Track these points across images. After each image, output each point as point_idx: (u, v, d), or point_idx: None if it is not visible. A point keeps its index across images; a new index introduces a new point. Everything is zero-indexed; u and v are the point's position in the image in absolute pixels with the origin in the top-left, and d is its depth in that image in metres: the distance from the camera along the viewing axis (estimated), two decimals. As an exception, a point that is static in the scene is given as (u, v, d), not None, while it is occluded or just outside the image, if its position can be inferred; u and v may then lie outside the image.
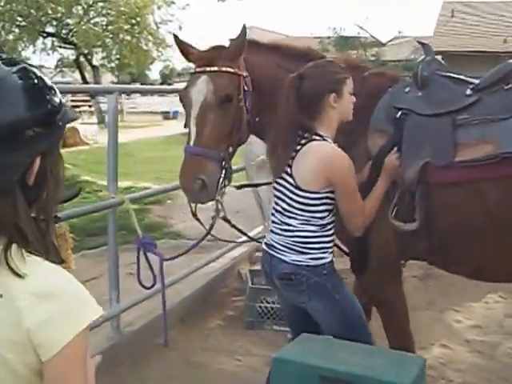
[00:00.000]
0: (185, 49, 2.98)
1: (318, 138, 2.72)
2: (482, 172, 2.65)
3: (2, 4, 26.66)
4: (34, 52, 29.42)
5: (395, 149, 2.82)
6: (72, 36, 28.86)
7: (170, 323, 4.49)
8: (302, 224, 2.74)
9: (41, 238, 1.24)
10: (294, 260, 2.75)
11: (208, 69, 2.83)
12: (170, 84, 32.97)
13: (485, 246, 2.75)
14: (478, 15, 22.44)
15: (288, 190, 2.77)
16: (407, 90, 2.98)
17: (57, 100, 1.28)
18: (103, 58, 30.51)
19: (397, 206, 2.78)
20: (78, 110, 28.32)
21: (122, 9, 27.82)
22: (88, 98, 31.57)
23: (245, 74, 2.89)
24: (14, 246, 1.21)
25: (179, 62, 42.06)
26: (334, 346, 2.69)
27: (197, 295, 5.10)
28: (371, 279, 3.01)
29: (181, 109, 3.06)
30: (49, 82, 1.29)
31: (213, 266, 5.54)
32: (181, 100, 2.92)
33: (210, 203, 2.94)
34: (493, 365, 4.10)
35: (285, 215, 2.80)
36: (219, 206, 2.97)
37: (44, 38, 29.58)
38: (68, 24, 29.00)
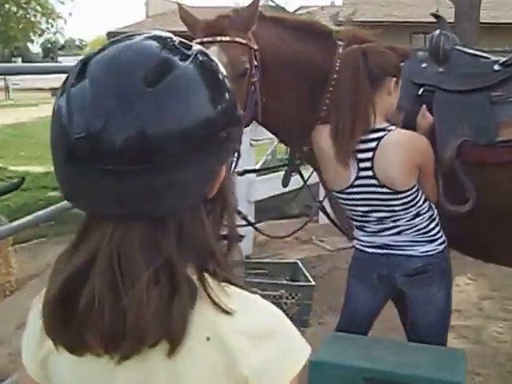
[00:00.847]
0: (187, 16, 2.71)
1: (385, 130, 2.46)
2: None
3: None
4: None
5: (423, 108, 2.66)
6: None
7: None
8: (413, 220, 2.55)
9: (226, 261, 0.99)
10: (423, 252, 2.55)
11: (219, 38, 2.56)
12: (53, 58, 31.39)
13: None
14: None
15: (381, 199, 2.52)
16: (424, 65, 2.83)
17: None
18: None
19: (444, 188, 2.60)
20: None
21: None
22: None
23: (255, 46, 2.63)
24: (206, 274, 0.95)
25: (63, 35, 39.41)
26: (369, 344, 2.53)
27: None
28: None
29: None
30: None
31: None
32: None
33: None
34: (482, 350, 4.04)
35: (386, 222, 2.58)
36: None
37: None
38: None
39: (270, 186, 5.19)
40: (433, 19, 2.98)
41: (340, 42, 2.80)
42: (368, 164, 2.46)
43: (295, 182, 3.17)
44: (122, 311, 0.86)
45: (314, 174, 3.06)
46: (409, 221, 2.54)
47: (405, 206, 2.52)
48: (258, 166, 5.91)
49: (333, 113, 2.54)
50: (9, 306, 4.86)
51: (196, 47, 0.99)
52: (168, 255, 0.89)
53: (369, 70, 2.43)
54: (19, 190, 6.35)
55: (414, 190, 2.50)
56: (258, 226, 3.50)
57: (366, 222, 2.61)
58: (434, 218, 2.58)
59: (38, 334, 0.95)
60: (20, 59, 33.06)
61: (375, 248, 2.61)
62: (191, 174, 0.91)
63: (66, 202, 1.02)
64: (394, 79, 2.48)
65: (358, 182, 2.51)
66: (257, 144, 5.03)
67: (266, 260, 5.20)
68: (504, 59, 2.71)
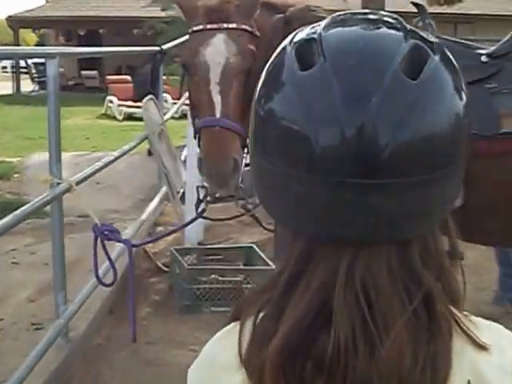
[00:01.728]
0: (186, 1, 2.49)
1: None
2: None
3: None
4: None
5: None
6: None
7: (99, 318, 4.04)
8: None
9: None
10: None
11: (226, 25, 2.37)
12: None
13: None
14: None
15: None
16: None
17: None
18: None
19: None
20: None
21: None
22: None
23: (258, 34, 2.46)
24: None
25: None
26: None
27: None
28: None
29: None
30: None
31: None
32: (186, 62, 2.42)
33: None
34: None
35: None
36: (241, 194, 2.54)
37: None
38: None
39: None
40: (413, 8, 2.90)
41: None
42: None
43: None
44: (376, 359, 0.70)
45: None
46: None
47: None
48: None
49: None
50: None
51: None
52: (429, 285, 0.74)
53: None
54: None
55: None
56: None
57: None
58: None
59: None
60: None
61: None
62: (453, 185, 0.76)
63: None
64: None
65: None
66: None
67: (221, 245, 5.07)
68: (490, 50, 2.69)
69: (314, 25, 0.78)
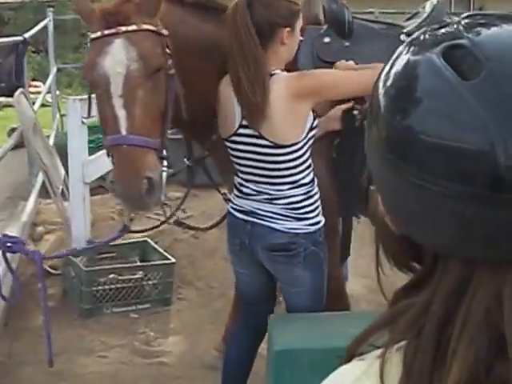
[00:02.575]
0: (83, 5, 2.27)
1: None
2: None
3: None
4: None
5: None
6: None
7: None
8: (290, 189, 2.36)
9: None
10: (289, 228, 2.36)
11: (124, 29, 2.15)
12: None
13: None
14: None
15: (261, 153, 2.34)
16: (327, 40, 2.68)
17: None
18: None
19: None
20: None
21: None
22: None
23: (166, 32, 2.29)
24: None
25: None
26: (320, 322, 2.44)
27: None
28: None
29: None
30: None
31: None
32: (87, 75, 2.21)
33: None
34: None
35: (264, 183, 2.39)
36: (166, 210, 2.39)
37: None
38: None
39: (103, 163, 4.83)
40: None
41: None
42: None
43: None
44: None
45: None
46: (283, 189, 2.38)
47: (285, 166, 2.35)
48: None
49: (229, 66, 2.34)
50: None
51: None
52: None
53: (254, 23, 2.24)
54: None
55: (300, 152, 2.35)
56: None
57: (245, 180, 2.44)
58: (312, 196, 2.42)
59: None
60: None
61: (243, 214, 2.45)
62: None
63: None
64: (287, 29, 2.29)
65: (241, 130, 2.36)
66: (89, 122, 4.60)
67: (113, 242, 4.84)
68: (408, 29, 2.71)
69: (436, 26, 0.71)
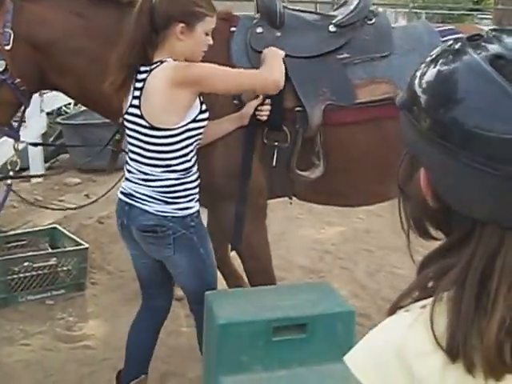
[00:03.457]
0: None
1: (155, 64, 2.46)
2: (381, 111, 2.75)
3: None
4: None
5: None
6: None
7: None
8: (162, 172, 2.51)
9: None
10: (158, 211, 2.52)
11: None
12: None
13: (380, 178, 2.86)
14: None
15: (141, 133, 2.49)
16: (260, 30, 2.81)
17: None
18: None
19: (299, 154, 2.72)
20: None
21: None
22: None
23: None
24: None
25: None
26: (255, 295, 2.63)
27: None
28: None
29: None
30: None
31: None
32: None
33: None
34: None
35: (142, 163, 2.53)
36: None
37: None
38: None
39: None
40: None
41: None
42: (137, 93, 2.48)
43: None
44: None
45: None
46: (157, 171, 2.51)
47: (159, 149, 2.48)
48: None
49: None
50: None
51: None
52: None
53: (153, 15, 2.43)
54: None
55: (175, 139, 2.47)
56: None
57: (130, 159, 2.60)
58: (185, 183, 2.54)
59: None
60: None
61: (124, 195, 2.62)
62: None
63: None
64: (181, 25, 2.43)
65: (130, 110, 2.52)
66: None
67: (22, 230, 4.80)
68: (337, 20, 2.85)
69: (471, 37, 0.90)
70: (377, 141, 2.81)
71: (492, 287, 0.83)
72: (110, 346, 3.63)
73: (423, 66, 0.95)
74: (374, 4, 3.09)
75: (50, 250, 4.41)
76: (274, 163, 2.75)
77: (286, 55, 2.71)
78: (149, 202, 2.52)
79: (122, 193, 2.61)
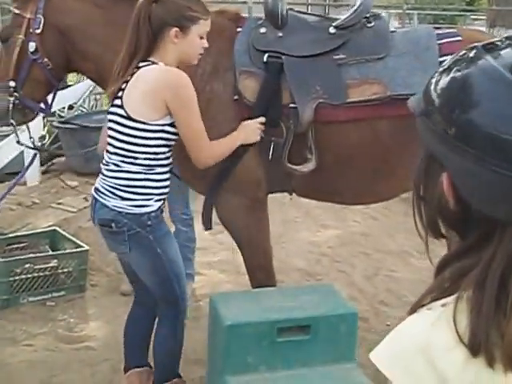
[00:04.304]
0: None
1: (147, 63, 2.54)
2: (372, 111, 2.82)
3: None
4: None
5: (261, 118, 2.78)
6: None
7: None
8: (126, 163, 2.55)
9: None
10: (115, 206, 2.56)
11: None
12: None
13: (371, 176, 2.97)
14: None
15: (117, 123, 2.56)
16: (263, 30, 2.94)
17: None
18: None
19: (290, 149, 2.80)
20: None
21: None
22: None
23: (29, 16, 2.92)
24: None
25: None
26: (259, 297, 2.68)
27: None
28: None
29: None
30: None
31: None
32: None
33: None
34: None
35: (112, 153, 2.59)
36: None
37: None
38: None
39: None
40: None
41: None
42: (124, 85, 2.55)
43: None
44: None
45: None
46: (125, 162, 2.55)
47: (128, 139, 2.53)
48: None
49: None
50: None
51: None
52: None
53: (150, 18, 2.52)
54: None
55: (149, 130, 2.51)
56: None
57: (106, 151, 2.66)
58: (145, 180, 2.56)
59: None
60: None
61: (94, 190, 2.69)
62: None
63: None
64: (175, 29, 2.51)
65: (115, 101, 2.60)
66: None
67: (22, 233, 4.83)
68: (338, 22, 2.96)
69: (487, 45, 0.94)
70: (368, 139, 2.89)
71: (511, 288, 0.88)
72: (112, 347, 3.67)
73: (439, 73, 0.97)
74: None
75: (50, 252, 4.45)
76: (271, 157, 2.84)
77: (285, 54, 2.85)
78: (108, 196, 2.58)
79: (94, 189, 2.68)
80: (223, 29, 2.93)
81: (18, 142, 3.24)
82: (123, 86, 2.55)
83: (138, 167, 2.54)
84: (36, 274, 4.17)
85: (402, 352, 0.92)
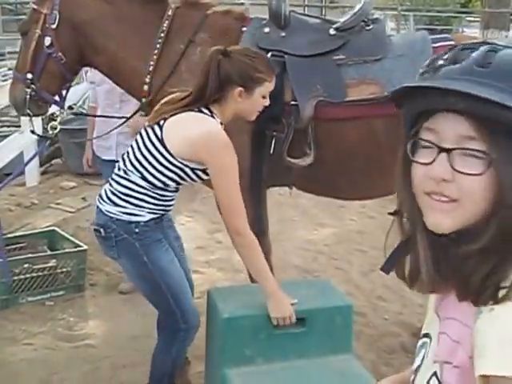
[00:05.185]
0: None
1: (207, 112, 2.54)
2: (370, 110, 2.90)
3: None
4: None
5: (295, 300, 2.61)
6: None
7: None
8: (135, 175, 2.57)
9: None
10: (107, 211, 2.60)
11: None
12: None
13: (368, 171, 3.04)
14: None
15: (149, 137, 2.56)
16: (267, 30, 3.04)
17: None
18: None
19: (290, 143, 2.88)
20: None
21: None
22: None
23: (45, 11, 3.08)
24: None
25: None
26: (254, 291, 2.70)
27: None
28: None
29: None
30: None
31: None
32: None
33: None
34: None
35: (127, 158, 2.61)
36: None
37: None
38: None
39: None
40: None
41: (173, 5, 3.05)
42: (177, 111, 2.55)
43: None
44: None
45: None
46: (130, 173, 2.57)
47: (150, 161, 2.53)
48: None
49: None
50: None
51: None
52: None
53: (218, 69, 2.49)
54: None
55: (173, 163, 2.51)
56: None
57: (122, 156, 2.69)
58: (147, 196, 2.57)
59: None
60: None
61: (98, 196, 2.71)
62: None
63: None
64: (239, 89, 2.51)
65: (160, 121, 2.57)
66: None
67: (21, 233, 4.87)
68: (337, 24, 3.05)
69: None
70: (365, 137, 2.97)
71: None
72: (111, 345, 3.72)
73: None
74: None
75: (49, 252, 4.48)
76: (272, 151, 2.93)
77: (288, 54, 2.95)
78: (104, 201, 2.62)
79: (98, 194, 2.72)
80: (229, 28, 3.05)
81: (33, 131, 3.37)
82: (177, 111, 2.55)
83: (144, 183, 2.55)
84: (35, 274, 4.21)
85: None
